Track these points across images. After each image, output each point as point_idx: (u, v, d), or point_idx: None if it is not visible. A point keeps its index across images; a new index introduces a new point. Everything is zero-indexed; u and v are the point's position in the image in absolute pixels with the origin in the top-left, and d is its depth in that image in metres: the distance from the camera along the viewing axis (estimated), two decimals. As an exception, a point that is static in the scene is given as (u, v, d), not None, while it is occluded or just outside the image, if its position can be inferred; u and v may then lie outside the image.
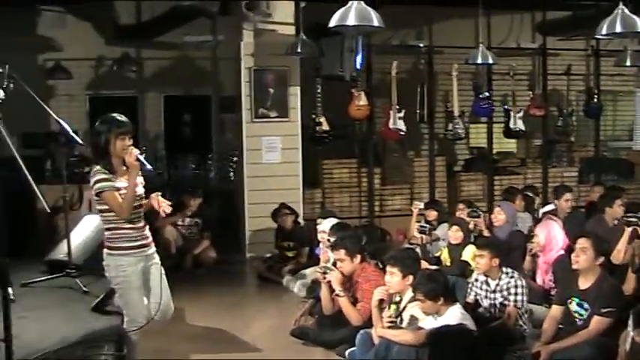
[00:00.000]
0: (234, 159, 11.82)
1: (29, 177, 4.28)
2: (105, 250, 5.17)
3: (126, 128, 5.05)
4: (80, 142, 7.06)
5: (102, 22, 12.64)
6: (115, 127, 5.03)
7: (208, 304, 7.87)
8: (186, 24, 11.59)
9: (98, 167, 5.00)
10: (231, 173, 12.16)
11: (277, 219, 9.25)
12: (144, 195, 5.18)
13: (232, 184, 11.94)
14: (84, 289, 6.99)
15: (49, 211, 4.83)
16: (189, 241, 9.42)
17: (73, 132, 6.74)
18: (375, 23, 6.19)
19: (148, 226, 5.26)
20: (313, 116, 10.31)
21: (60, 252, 7.88)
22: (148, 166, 5.07)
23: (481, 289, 6.26)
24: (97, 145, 5.04)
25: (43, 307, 6.61)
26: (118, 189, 4.98)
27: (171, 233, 9.21)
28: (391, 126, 10.58)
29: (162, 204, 5.17)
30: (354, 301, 6.22)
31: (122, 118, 5.12)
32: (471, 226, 7.92)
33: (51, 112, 6.72)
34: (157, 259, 5.29)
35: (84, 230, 8.15)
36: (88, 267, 7.52)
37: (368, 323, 5.91)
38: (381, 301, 5.76)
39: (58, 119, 6.72)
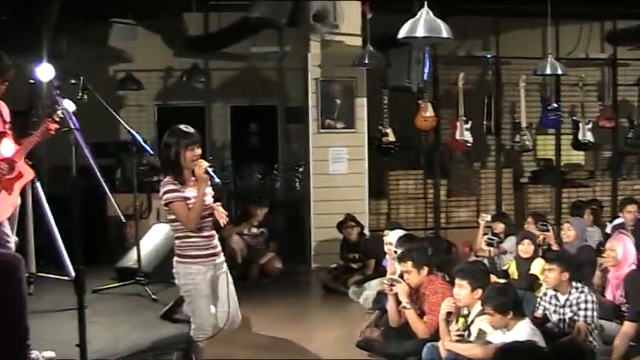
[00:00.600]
0: (300, 169, 11.87)
1: (106, 187, 4.37)
2: (175, 258, 5.23)
3: (194, 139, 5.11)
4: (150, 151, 7.21)
5: (171, 34, 12.85)
6: (184, 138, 5.09)
7: (274, 313, 7.89)
8: (253, 35, 11.72)
9: (168, 178, 5.07)
10: (297, 183, 12.22)
11: (343, 231, 9.25)
12: (212, 204, 5.24)
13: (298, 194, 11.99)
14: (153, 296, 7.09)
15: (124, 221, 4.93)
16: (255, 250, 9.46)
17: (143, 142, 6.90)
18: (444, 34, 6.17)
19: (217, 236, 5.31)
20: (380, 127, 10.32)
21: (130, 260, 8.03)
22: (217, 180, 5.09)
23: (550, 303, 6.15)
24: (166, 157, 5.10)
25: (114, 313, 6.73)
26: (187, 199, 5.05)
27: (237, 243, 9.26)
28: (458, 137, 10.52)
29: (221, 214, 5.22)
30: (421, 314, 6.17)
31: (190, 129, 5.17)
32: (540, 239, 7.80)
33: (123, 122, 6.88)
34: (225, 268, 5.33)
35: (153, 238, 8.29)
36: (157, 275, 7.65)
37: (435, 336, 5.86)
38: (449, 314, 5.70)
39: (130, 129, 6.88)
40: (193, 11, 11.66)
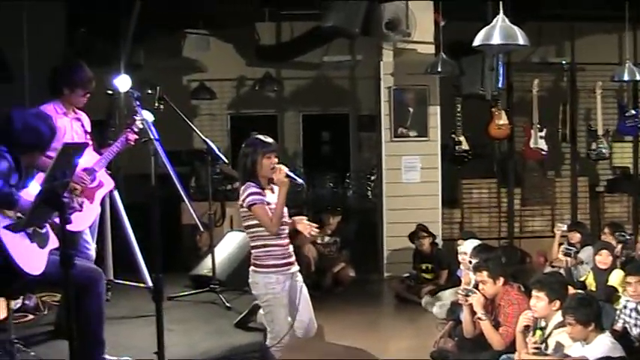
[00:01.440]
0: (372, 178, 11.84)
1: (185, 196, 4.43)
2: (252, 268, 5.27)
3: (271, 148, 5.19)
4: (225, 160, 7.30)
5: (243, 44, 13.00)
6: (261, 147, 5.17)
7: (347, 322, 7.85)
8: (325, 44, 11.77)
9: (249, 182, 5.14)
10: (369, 192, 12.19)
11: (414, 241, 9.18)
12: (287, 213, 5.28)
13: (370, 202, 11.98)
14: (227, 304, 7.15)
15: (202, 230, 4.99)
16: (327, 259, 9.45)
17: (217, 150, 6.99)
18: (521, 41, 6.09)
19: (291, 245, 5.34)
20: (453, 135, 10.25)
21: (204, 267, 8.11)
22: (299, 181, 5.16)
23: (630, 316, 6.00)
24: (244, 165, 5.20)
25: (188, 320, 6.81)
26: (268, 203, 5.10)
27: (311, 251, 9.27)
28: (532, 145, 10.38)
29: (310, 227, 5.25)
30: (496, 325, 6.09)
31: (267, 138, 5.25)
32: (618, 250, 7.63)
33: (198, 131, 6.98)
34: (300, 277, 5.36)
35: (227, 246, 8.36)
36: (231, 283, 7.72)
37: (510, 348, 5.77)
38: (526, 326, 5.61)
39: (205, 138, 6.97)
40: (266, 21, 11.76)
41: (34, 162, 4.74)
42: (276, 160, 5.17)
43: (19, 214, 4.38)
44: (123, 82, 7.99)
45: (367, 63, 11.68)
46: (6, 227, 4.29)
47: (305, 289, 5.38)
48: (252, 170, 5.16)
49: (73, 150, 4.40)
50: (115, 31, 8.60)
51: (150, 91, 7.31)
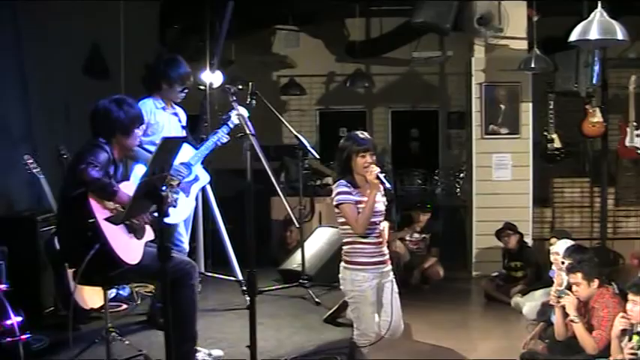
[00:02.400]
0: (461, 175, 11.73)
1: (280, 191, 4.49)
2: (342, 264, 5.30)
3: (366, 146, 5.19)
4: (317, 156, 7.34)
5: (333, 40, 13.03)
6: (356, 144, 5.19)
7: (434, 321, 7.79)
8: (414, 40, 11.70)
9: (341, 180, 5.16)
10: (458, 189, 12.08)
11: (501, 239, 9.05)
12: (384, 212, 5.27)
13: (458, 200, 11.87)
14: (316, 299, 7.19)
15: (297, 226, 5.03)
16: (416, 256, 9.40)
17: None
18: (620, 36, 5.92)
19: (386, 244, 5.32)
20: (545, 133, 10.05)
21: (294, 262, 8.19)
22: (387, 185, 5.14)
23: None
24: (339, 160, 5.25)
25: (277, 315, 6.89)
26: (358, 202, 5.11)
27: (400, 248, 9.23)
28: (627, 144, 10.07)
29: (384, 235, 5.25)
30: (589, 328, 5.95)
31: (364, 135, 5.27)
32: None
33: (290, 127, 7.03)
34: (391, 276, 5.36)
35: (317, 242, 8.41)
36: (320, 278, 7.76)
37: (603, 352, 5.64)
38: (623, 330, 5.46)
39: (297, 134, 7.02)
40: (356, 17, 11.76)
41: (122, 148, 4.86)
42: (371, 159, 5.16)
43: (118, 206, 4.51)
44: (215, 78, 8.15)
45: (457, 59, 11.57)
46: (107, 219, 4.42)
47: (396, 289, 5.37)
48: (347, 166, 5.19)
49: (172, 144, 4.50)
50: (206, 27, 8.72)
51: (240, 87, 7.40)
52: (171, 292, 4.50)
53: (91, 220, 4.38)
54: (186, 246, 6.38)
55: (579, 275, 6.01)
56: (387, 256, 5.34)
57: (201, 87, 8.17)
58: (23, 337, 4.68)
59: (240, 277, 7.16)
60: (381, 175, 5.08)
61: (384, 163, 12.94)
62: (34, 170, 6.42)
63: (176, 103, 6.27)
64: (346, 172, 5.20)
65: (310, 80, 13.17)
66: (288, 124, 7.03)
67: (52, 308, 6.54)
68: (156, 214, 4.09)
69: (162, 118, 6.05)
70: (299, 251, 7.93)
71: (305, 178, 9.37)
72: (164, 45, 10.47)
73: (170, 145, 4.37)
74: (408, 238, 9.44)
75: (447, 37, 11.06)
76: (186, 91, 6.17)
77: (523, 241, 9.06)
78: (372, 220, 5.15)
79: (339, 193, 5.15)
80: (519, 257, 8.89)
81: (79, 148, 4.69)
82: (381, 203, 5.24)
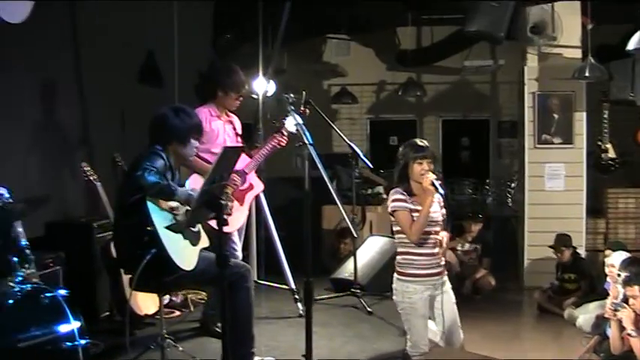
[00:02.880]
0: (512, 185, 11.63)
1: (338, 201, 4.48)
2: (395, 275, 5.28)
3: (424, 153, 5.17)
4: (370, 165, 7.34)
5: (384, 48, 13.03)
6: (413, 151, 5.18)
7: (486, 332, 7.73)
8: (466, 49, 11.65)
9: (397, 188, 5.16)
10: (509, 199, 11.99)
11: (557, 254, 8.95)
12: (440, 222, 5.25)
13: (509, 210, 11.78)
14: (368, 309, 7.17)
15: (355, 236, 5.03)
16: (467, 267, 9.36)
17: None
18: (679, 46, 5.84)
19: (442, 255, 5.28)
20: (599, 143, 9.94)
21: (345, 271, 8.16)
22: (441, 191, 5.12)
23: None
24: (397, 167, 5.24)
25: (329, 324, 6.86)
26: (413, 211, 5.10)
27: (451, 258, 9.18)
28: (684, 154, 9.95)
29: (441, 243, 5.22)
30: (647, 342, 5.86)
31: (423, 143, 5.26)
32: None
33: (343, 136, 7.04)
34: (447, 287, 5.31)
35: (368, 251, 8.39)
36: (372, 287, 7.74)
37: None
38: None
39: (350, 143, 7.02)
40: (409, 25, 11.74)
41: (178, 157, 4.91)
42: (429, 167, 5.15)
43: (175, 212, 4.54)
44: (268, 87, 8.19)
45: (509, 68, 11.49)
46: (167, 227, 4.46)
47: (452, 300, 5.33)
48: (404, 174, 5.19)
49: (232, 153, 4.53)
50: (258, 35, 8.76)
51: (293, 95, 7.41)
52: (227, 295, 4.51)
53: (149, 229, 4.42)
54: (239, 254, 6.40)
55: (636, 288, 5.94)
56: (442, 267, 5.29)
57: (254, 95, 8.21)
58: (83, 341, 4.73)
59: (293, 286, 7.17)
60: (437, 182, 5.06)
61: (435, 172, 12.87)
62: (91, 177, 6.50)
63: (230, 111, 6.30)
64: (403, 179, 5.19)
65: (361, 89, 13.20)
66: (341, 134, 7.02)
67: (107, 313, 6.61)
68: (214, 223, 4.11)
69: (217, 126, 6.09)
70: (351, 260, 7.91)
71: (356, 187, 9.35)
72: (216, 51, 10.52)
73: (230, 154, 4.40)
74: (459, 249, 9.40)
75: (498, 45, 11.00)
76: (241, 99, 6.21)
77: (576, 252, 8.95)
78: (427, 229, 5.12)
79: (394, 200, 5.15)
80: (573, 269, 8.80)
81: (136, 156, 4.74)
82: (438, 213, 5.22)
